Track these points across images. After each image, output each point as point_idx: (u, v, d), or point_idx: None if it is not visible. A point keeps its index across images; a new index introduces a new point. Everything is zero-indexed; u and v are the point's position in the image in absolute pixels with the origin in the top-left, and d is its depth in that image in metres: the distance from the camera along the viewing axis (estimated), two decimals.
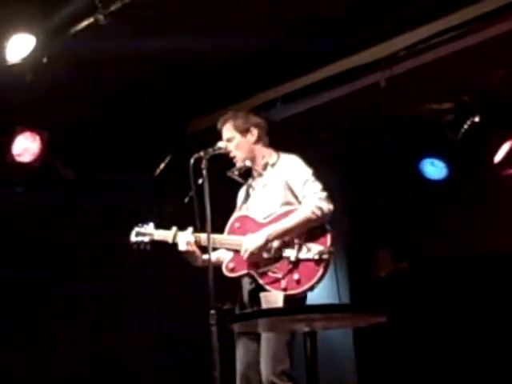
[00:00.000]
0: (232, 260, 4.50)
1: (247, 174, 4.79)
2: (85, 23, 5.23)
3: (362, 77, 6.28)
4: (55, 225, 7.06)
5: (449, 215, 7.85)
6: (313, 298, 4.39)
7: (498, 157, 7.35)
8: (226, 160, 4.69)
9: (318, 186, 4.42)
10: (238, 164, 4.68)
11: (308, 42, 6.00)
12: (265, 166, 4.67)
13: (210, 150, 4.53)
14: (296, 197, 4.47)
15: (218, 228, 4.57)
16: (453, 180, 7.82)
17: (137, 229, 4.74)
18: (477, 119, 7.00)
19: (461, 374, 7.47)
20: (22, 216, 6.91)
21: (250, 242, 4.41)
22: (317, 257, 4.25)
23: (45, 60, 5.44)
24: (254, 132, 4.68)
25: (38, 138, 6.65)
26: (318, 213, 4.30)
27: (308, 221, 4.32)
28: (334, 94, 6.50)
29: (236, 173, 4.73)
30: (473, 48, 5.81)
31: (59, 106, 6.38)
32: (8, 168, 6.70)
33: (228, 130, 4.70)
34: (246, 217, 4.61)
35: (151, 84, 6.48)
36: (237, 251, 4.47)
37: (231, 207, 4.80)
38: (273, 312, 3.95)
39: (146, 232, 4.71)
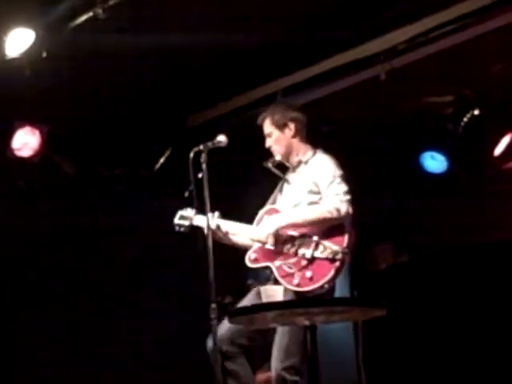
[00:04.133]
0: (255, 251, 4.55)
1: (283, 166, 4.82)
2: (84, 17, 5.23)
3: (362, 70, 6.27)
4: (54, 220, 7.07)
5: (449, 208, 7.84)
6: None
7: (498, 150, 7.34)
8: (225, 154, 4.69)
9: (343, 188, 4.47)
10: (277, 158, 4.74)
11: (308, 35, 5.99)
12: (298, 163, 4.72)
13: (210, 143, 4.53)
14: (321, 197, 4.50)
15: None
16: (453, 173, 7.81)
17: (180, 212, 4.80)
18: (477, 112, 7.00)
19: (461, 366, 7.47)
20: (20, 212, 6.91)
21: (262, 229, 4.50)
22: (331, 256, 4.28)
23: (44, 54, 5.43)
24: (292, 126, 4.73)
25: (37, 133, 6.65)
26: (335, 213, 4.34)
27: (323, 219, 4.36)
28: (333, 87, 6.49)
29: (271, 164, 4.76)
30: (473, 41, 5.80)
31: (59, 101, 6.37)
32: (8, 162, 6.69)
33: (267, 126, 4.76)
34: (274, 210, 4.67)
35: (151, 78, 6.47)
36: (261, 243, 4.51)
37: (230, 201, 4.81)
38: (273, 306, 3.96)
39: (188, 216, 4.75)
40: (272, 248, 4.45)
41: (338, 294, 4.50)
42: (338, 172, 4.54)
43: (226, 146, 4.64)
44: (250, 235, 4.58)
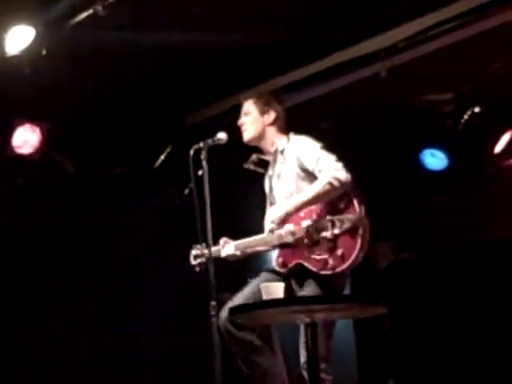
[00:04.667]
0: (280, 255, 4.55)
1: (264, 162, 4.81)
2: (84, 15, 5.23)
3: (362, 67, 6.27)
4: (55, 219, 7.06)
5: (449, 206, 7.84)
6: None
7: (498, 147, 7.34)
8: (225, 151, 4.69)
9: (332, 157, 4.44)
10: (245, 138, 4.72)
11: (308, 32, 5.99)
12: (275, 154, 4.70)
13: (210, 141, 4.52)
14: (312, 175, 4.47)
15: (221, 220, 4.57)
16: (453, 170, 7.81)
17: (194, 252, 4.78)
18: (477, 110, 7.00)
19: (462, 364, 7.47)
20: (20, 210, 6.90)
21: (272, 215, 4.51)
22: (350, 226, 4.27)
23: (44, 52, 5.43)
24: (272, 115, 4.73)
25: (37, 130, 6.65)
26: (336, 183, 4.31)
27: (327, 192, 4.34)
28: (334, 84, 6.49)
29: (251, 166, 4.76)
30: (473, 39, 5.79)
31: (59, 99, 6.37)
32: (8, 160, 6.69)
33: (248, 105, 4.77)
34: None
35: (150, 76, 6.47)
36: (280, 246, 4.51)
37: (231, 199, 4.80)
38: (273, 303, 3.96)
39: (202, 253, 4.68)
40: (292, 243, 4.44)
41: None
42: (318, 145, 4.53)
43: (226, 144, 4.65)
44: (265, 244, 4.61)
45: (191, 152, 4.44)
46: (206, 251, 4.51)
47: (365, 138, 7.45)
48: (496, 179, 7.47)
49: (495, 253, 7.60)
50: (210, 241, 4.30)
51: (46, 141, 6.66)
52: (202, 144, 4.47)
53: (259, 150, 4.80)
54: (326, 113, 6.98)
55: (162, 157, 7.41)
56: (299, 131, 4.74)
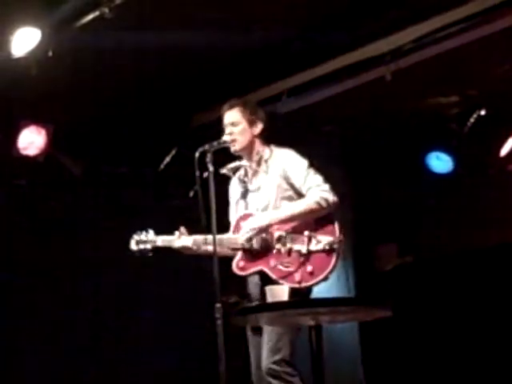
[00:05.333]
0: (241, 259, 4.50)
1: (238, 168, 4.77)
2: (90, 16, 5.23)
3: (367, 70, 6.27)
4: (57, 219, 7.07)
5: (454, 209, 7.83)
6: (320, 291, 4.40)
7: (504, 150, 7.33)
8: (230, 153, 4.68)
9: (319, 178, 4.44)
10: (233, 149, 4.63)
11: (313, 35, 5.99)
12: (259, 162, 4.65)
13: (215, 143, 4.50)
14: (296, 191, 4.47)
15: (224, 223, 4.57)
16: (458, 174, 7.81)
17: (136, 237, 4.68)
18: (482, 113, 6.99)
19: (465, 366, 7.47)
20: (23, 210, 6.91)
21: (253, 222, 4.44)
22: (327, 247, 4.27)
23: (50, 53, 5.44)
24: (259, 126, 4.67)
25: (43, 132, 6.66)
26: (323, 204, 4.32)
27: (312, 211, 4.34)
28: (339, 87, 6.49)
29: (230, 171, 4.73)
30: (479, 42, 5.79)
31: (64, 100, 6.38)
32: (13, 161, 6.70)
33: (236, 114, 4.66)
34: (250, 215, 4.58)
35: (156, 77, 6.47)
36: (244, 250, 4.47)
37: None
38: (278, 306, 3.95)
39: (148, 239, 4.65)
40: (258, 249, 4.42)
41: (343, 294, 4.49)
42: (306, 162, 4.51)
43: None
44: (230, 245, 4.51)
45: (196, 154, 4.42)
46: (152, 238, 4.58)
47: (370, 140, 7.45)
48: (501, 182, 7.47)
49: (499, 256, 7.60)
50: (215, 243, 4.29)
51: (51, 142, 6.67)
52: (207, 146, 4.45)
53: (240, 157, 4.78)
54: (330, 116, 6.98)
55: (168, 158, 7.42)
56: (303, 135, 4.74)
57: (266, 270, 4.40)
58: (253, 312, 4.08)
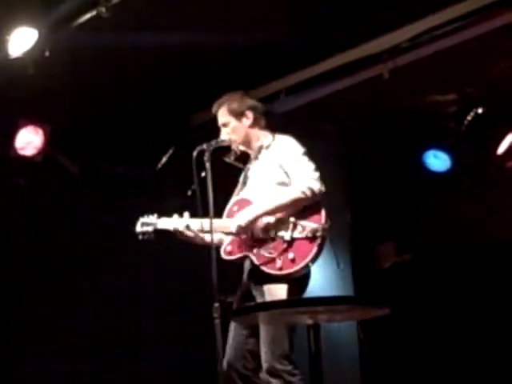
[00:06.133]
0: (230, 243, 4.50)
1: (245, 157, 4.77)
2: (87, 16, 5.23)
3: (365, 69, 6.27)
4: (58, 217, 7.07)
5: (452, 207, 7.84)
6: (315, 291, 4.39)
7: (502, 148, 7.34)
8: (228, 152, 4.68)
9: (311, 166, 4.41)
10: (235, 149, 4.66)
11: (311, 34, 5.99)
12: (259, 149, 4.64)
13: (213, 142, 4.51)
14: (289, 177, 4.45)
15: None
16: (456, 172, 7.81)
17: (142, 219, 4.72)
18: (480, 111, 6.99)
19: (464, 364, 7.47)
20: (22, 210, 6.91)
21: (240, 218, 4.42)
22: (310, 235, 4.25)
23: (47, 53, 5.43)
24: (250, 115, 4.64)
25: (40, 132, 6.65)
26: (308, 193, 4.29)
27: (297, 200, 4.31)
28: (337, 85, 6.49)
29: (232, 158, 4.73)
30: (476, 40, 5.79)
31: (62, 100, 6.38)
32: (11, 161, 6.70)
33: (223, 115, 4.66)
34: (243, 200, 4.59)
35: (154, 76, 6.47)
36: (234, 234, 4.47)
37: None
38: (276, 305, 3.95)
39: (150, 222, 4.69)
40: (246, 237, 4.41)
41: (341, 292, 4.48)
42: (301, 150, 4.48)
43: (229, 145, 4.65)
44: (222, 229, 4.48)
45: (194, 153, 4.43)
46: (154, 220, 4.62)
47: (367, 139, 7.45)
48: (499, 180, 7.47)
49: (498, 254, 7.60)
50: (214, 240, 4.29)
51: (49, 142, 6.67)
52: (205, 145, 4.45)
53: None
54: (328, 114, 6.98)
55: (165, 158, 7.42)
56: (302, 133, 4.72)
57: (251, 255, 4.40)
58: (250, 311, 4.08)
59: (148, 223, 4.70)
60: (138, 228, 4.71)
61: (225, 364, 4.39)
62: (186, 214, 4.57)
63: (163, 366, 7.20)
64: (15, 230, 6.88)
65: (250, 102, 4.71)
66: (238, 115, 4.63)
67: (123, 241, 7.17)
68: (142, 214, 4.73)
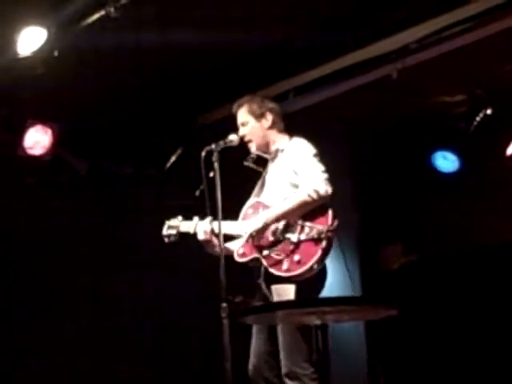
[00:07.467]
0: (243, 246, 4.52)
1: (264, 162, 4.79)
2: (96, 16, 5.24)
3: (373, 69, 6.26)
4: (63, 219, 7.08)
5: (460, 208, 7.82)
6: (323, 292, 4.39)
7: (510, 150, 7.32)
8: (237, 153, 4.68)
9: (320, 167, 4.42)
10: (252, 149, 4.69)
11: (320, 34, 5.99)
12: (276, 153, 4.67)
13: (222, 142, 4.51)
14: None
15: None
16: (464, 173, 7.80)
17: (168, 222, 4.79)
18: (489, 112, 6.98)
19: (472, 364, 7.46)
20: (26, 210, 6.91)
21: (249, 226, 4.45)
22: (316, 236, 4.25)
23: (56, 53, 5.44)
24: (269, 117, 4.69)
25: (49, 131, 6.66)
26: (315, 196, 4.29)
27: (305, 203, 4.32)
28: (345, 86, 6.48)
29: (250, 161, 4.75)
30: (485, 40, 5.78)
31: (70, 100, 6.39)
32: (19, 161, 6.71)
33: (243, 114, 4.71)
34: (258, 202, 4.63)
35: (161, 77, 6.48)
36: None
37: (242, 200, 4.79)
38: (284, 305, 3.95)
39: (174, 225, 4.75)
40: (256, 237, 4.43)
41: (348, 293, 4.47)
42: (312, 151, 4.49)
43: (238, 145, 4.65)
44: (238, 231, 4.53)
45: (203, 154, 4.43)
46: (177, 223, 4.71)
47: (376, 140, 7.44)
48: (508, 182, 7.45)
49: (505, 254, 7.59)
50: (222, 241, 4.30)
51: (57, 142, 6.68)
52: (213, 146, 4.46)
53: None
54: (337, 115, 6.97)
55: (173, 158, 7.42)
56: (310, 134, 4.72)
57: (260, 257, 4.41)
58: (258, 312, 4.08)
59: (172, 226, 4.75)
60: (164, 231, 4.77)
61: (251, 368, 4.46)
62: (209, 218, 4.57)
63: (163, 366, 7.20)
64: (19, 229, 6.88)
65: (271, 104, 4.77)
66: (258, 116, 4.68)
67: (129, 240, 7.22)
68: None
